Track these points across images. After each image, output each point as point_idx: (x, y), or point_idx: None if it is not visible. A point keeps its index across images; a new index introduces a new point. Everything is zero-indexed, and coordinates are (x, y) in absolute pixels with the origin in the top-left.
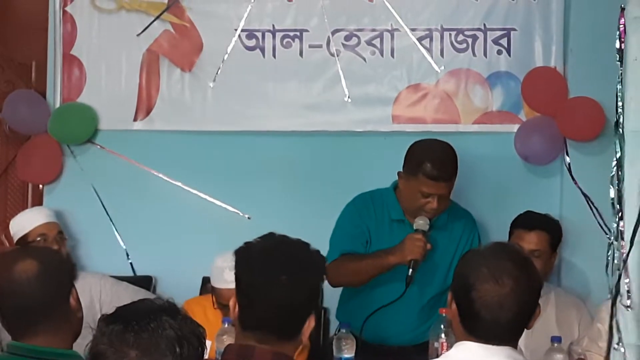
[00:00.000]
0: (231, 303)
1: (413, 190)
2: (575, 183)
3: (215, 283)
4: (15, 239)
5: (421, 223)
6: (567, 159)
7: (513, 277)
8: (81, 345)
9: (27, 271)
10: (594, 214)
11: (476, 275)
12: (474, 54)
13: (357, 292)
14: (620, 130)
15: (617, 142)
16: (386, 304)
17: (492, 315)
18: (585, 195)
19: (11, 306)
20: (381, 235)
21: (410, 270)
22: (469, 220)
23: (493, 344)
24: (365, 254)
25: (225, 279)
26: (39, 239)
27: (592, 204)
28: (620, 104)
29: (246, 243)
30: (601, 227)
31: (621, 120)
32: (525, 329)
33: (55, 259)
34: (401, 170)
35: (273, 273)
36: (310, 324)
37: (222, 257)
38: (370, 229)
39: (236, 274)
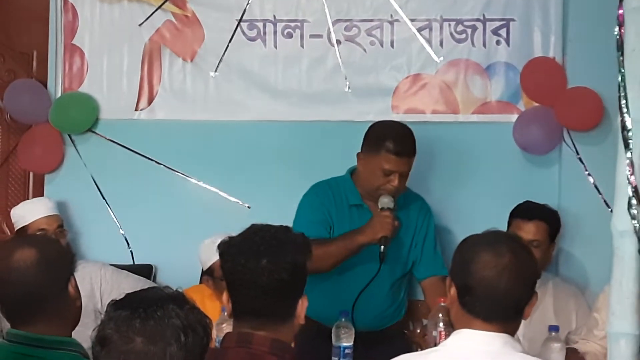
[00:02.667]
0: (224, 297)
1: (374, 169)
2: (586, 169)
3: (211, 259)
4: (16, 228)
5: (386, 201)
6: (566, 141)
7: (512, 251)
8: (81, 333)
9: (25, 260)
10: (604, 199)
11: (476, 250)
12: (473, 45)
13: (320, 281)
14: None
15: None
16: (363, 286)
17: (491, 286)
18: (594, 185)
19: (10, 295)
20: (342, 221)
21: (382, 247)
22: (423, 203)
23: (491, 325)
24: (333, 238)
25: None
26: (38, 233)
27: (597, 188)
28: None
29: (229, 236)
30: (608, 207)
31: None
32: (522, 320)
33: (54, 248)
34: (360, 152)
35: (254, 258)
36: (303, 304)
37: (206, 240)
38: (332, 215)
39: (221, 266)
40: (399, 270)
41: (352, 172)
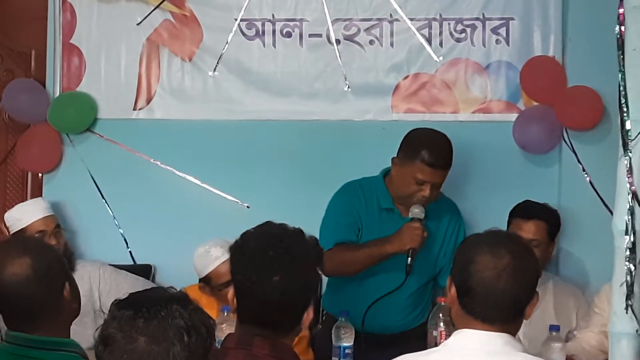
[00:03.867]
0: (229, 295)
1: (407, 177)
2: (583, 169)
3: (207, 269)
4: (12, 231)
5: (417, 212)
6: (567, 140)
7: (511, 253)
8: (80, 332)
9: (19, 273)
10: (602, 200)
11: (475, 251)
12: (472, 44)
13: (346, 283)
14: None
15: None
16: (385, 293)
17: (489, 288)
18: (591, 184)
19: (4, 305)
20: (371, 224)
21: (410, 259)
22: (455, 210)
23: (491, 325)
24: (361, 243)
25: (212, 256)
26: (37, 235)
27: (595, 189)
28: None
29: (242, 237)
30: (608, 208)
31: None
32: (523, 320)
33: (48, 257)
34: (395, 156)
35: (266, 273)
36: (309, 315)
37: (200, 248)
38: (361, 217)
39: (231, 270)
40: (424, 278)
41: (385, 174)
